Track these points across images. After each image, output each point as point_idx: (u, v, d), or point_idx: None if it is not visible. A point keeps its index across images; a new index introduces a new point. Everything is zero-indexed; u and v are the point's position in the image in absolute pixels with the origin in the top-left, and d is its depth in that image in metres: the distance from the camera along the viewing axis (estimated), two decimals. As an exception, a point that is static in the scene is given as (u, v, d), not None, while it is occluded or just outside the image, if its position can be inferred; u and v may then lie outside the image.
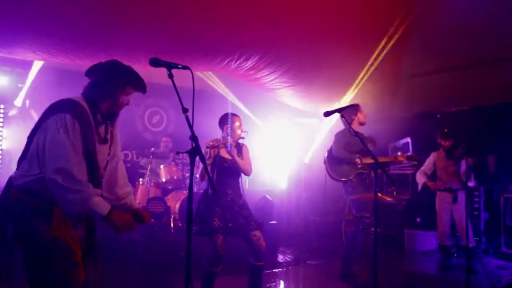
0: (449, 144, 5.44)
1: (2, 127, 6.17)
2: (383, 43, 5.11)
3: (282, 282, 4.90)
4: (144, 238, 5.27)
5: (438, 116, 7.40)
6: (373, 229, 3.66)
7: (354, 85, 5.90)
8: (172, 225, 5.63)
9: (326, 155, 4.77)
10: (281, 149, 8.16)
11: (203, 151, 2.39)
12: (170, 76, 2.15)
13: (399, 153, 4.63)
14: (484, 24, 4.63)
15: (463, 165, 5.30)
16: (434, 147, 5.83)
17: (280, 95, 6.65)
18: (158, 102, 7.93)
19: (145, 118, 7.84)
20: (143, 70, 5.74)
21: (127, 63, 2.39)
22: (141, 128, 7.78)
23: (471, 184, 5.51)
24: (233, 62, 5.18)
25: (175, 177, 6.34)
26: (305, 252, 6.34)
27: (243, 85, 6.61)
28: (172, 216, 5.71)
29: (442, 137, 5.51)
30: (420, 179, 5.65)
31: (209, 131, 3.69)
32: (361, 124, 4.64)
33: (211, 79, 7.16)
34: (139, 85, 2.35)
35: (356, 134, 3.26)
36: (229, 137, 3.65)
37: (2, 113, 6.21)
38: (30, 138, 2.16)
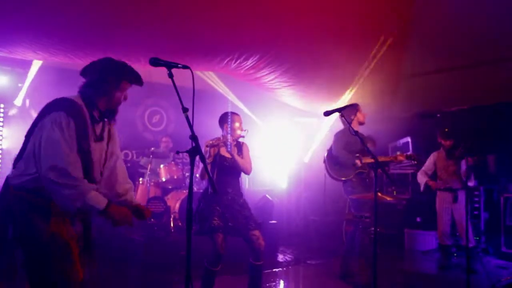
0: (450, 144, 5.44)
1: (2, 126, 6.17)
2: (382, 43, 5.11)
3: (282, 282, 4.90)
4: (144, 238, 5.27)
5: (438, 115, 7.39)
6: (373, 228, 3.66)
7: (354, 85, 5.90)
8: (172, 224, 5.63)
9: (325, 154, 4.77)
10: (281, 149, 8.16)
11: (203, 150, 2.39)
12: (170, 75, 2.15)
13: (398, 153, 4.63)
14: (484, 24, 4.63)
15: (464, 165, 5.29)
16: (434, 146, 5.83)
17: (280, 94, 6.65)
18: (158, 102, 7.93)
19: (145, 117, 7.84)
20: (143, 69, 5.75)
21: (127, 62, 2.39)
22: (141, 127, 7.78)
23: (471, 183, 5.51)
24: (233, 62, 5.18)
25: (175, 177, 6.35)
26: (305, 252, 6.34)
27: (243, 84, 6.61)
28: (172, 216, 5.71)
29: (442, 136, 5.51)
30: (422, 179, 5.65)
31: (209, 130, 3.70)
32: (361, 123, 4.64)
33: (211, 78, 7.17)
34: (134, 79, 2.37)
35: (356, 133, 3.26)
36: (229, 136, 3.65)
37: (2, 112, 6.21)
38: (27, 137, 2.18)
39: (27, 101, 6.20)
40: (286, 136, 8.16)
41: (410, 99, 6.71)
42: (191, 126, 2.08)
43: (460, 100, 6.91)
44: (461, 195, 5.37)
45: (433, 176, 5.68)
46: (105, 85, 2.27)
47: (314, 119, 8.17)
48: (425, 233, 6.59)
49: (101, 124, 2.33)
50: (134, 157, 7.48)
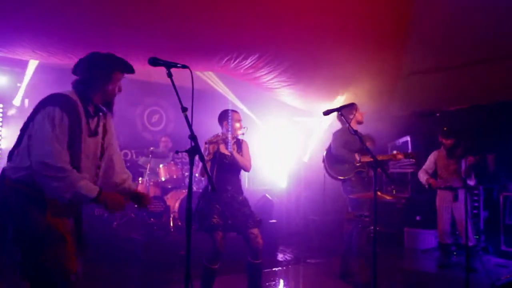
0: (450, 143, 5.43)
1: (1, 126, 6.17)
2: (382, 42, 5.11)
3: (281, 281, 4.90)
4: (144, 237, 5.27)
5: (438, 114, 7.39)
6: (372, 227, 3.66)
7: (353, 84, 5.90)
8: (171, 224, 5.64)
9: (324, 154, 4.78)
10: (281, 148, 8.16)
11: (202, 149, 2.39)
12: (169, 75, 2.16)
13: (394, 152, 4.63)
14: (483, 23, 4.63)
15: (464, 164, 5.29)
16: (434, 145, 5.83)
17: (279, 94, 6.65)
18: (157, 102, 7.93)
19: (144, 117, 7.83)
20: (143, 69, 5.76)
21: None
22: (141, 127, 7.78)
23: (472, 183, 5.51)
24: (232, 61, 5.18)
25: (175, 176, 6.35)
26: (305, 251, 6.34)
27: (242, 84, 6.61)
28: (171, 215, 5.71)
29: (443, 135, 5.51)
30: (422, 177, 5.66)
31: (208, 130, 3.70)
32: (359, 123, 4.64)
33: (211, 78, 7.17)
34: (125, 67, 2.37)
35: (356, 132, 3.27)
36: (228, 133, 3.65)
37: (1, 112, 6.21)
38: (23, 131, 2.20)
39: (26, 101, 6.19)
40: (285, 135, 8.16)
41: (409, 98, 6.71)
42: (190, 126, 2.08)
43: (459, 99, 6.91)
44: (462, 194, 5.36)
45: (434, 175, 5.68)
46: (96, 80, 2.29)
47: (313, 119, 8.17)
48: (425, 232, 6.60)
49: (96, 119, 2.35)
50: (134, 156, 7.48)
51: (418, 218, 6.80)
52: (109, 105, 2.40)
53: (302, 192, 8.21)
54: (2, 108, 6.22)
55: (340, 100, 6.22)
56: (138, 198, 2.54)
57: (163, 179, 6.35)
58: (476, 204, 6.41)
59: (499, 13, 4.50)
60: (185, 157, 7.15)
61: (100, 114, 2.37)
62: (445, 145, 5.50)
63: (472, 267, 4.95)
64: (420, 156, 5.58)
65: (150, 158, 6.48)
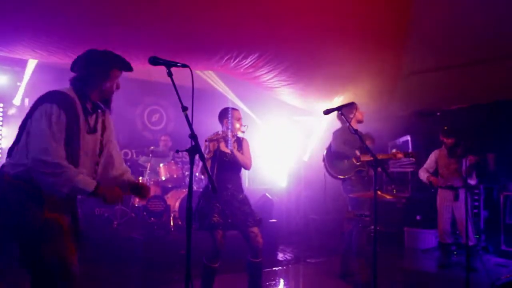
0: (452, 142, 5.43)
1: (1, 125, 6.18)
2: (382, 42, 5.11)
3: (282, 281, 4.90)
4: (144, 236, 5.28)
5: (438, 114, 7.40)
6: (372, 227, 3.66)
7: (353, 84, 5.89)
8: (172, 223, 5.64)
9: (325, 153, 4.78)
10: (281, 147, 8.16)
11: (202, 147, 2.40)
12: (169, 74, 2.16)
13: (393, 150, 4.63)
14: (483, 23, 4.63)
15: (466, 163, 5.29)
16: (434, 145, 5.83)
17: (279, 93, 6.65)
18: (157, 101, 7.93)
19: (144, 116, 7.83)
20: (143, 68, 5.75)
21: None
22: (141, 126, 7.78)
23: (473, 182, 5.51)
24: (232, 60, 5.18)
25: (175, 176, 6.35)
26: (305, 251, 6.34)
27: (242, 83, 6.61)
28: (172, 215, 5.72)
29: (444, 134, 5.50)
30: (423, 175, 5.65)
31: (208, 129, 3.69)
32: (359, 122, 4.65)
33: (211, 77, 7.17)
34: (122, 65, 2.38)
35: (356, 132, 3.27)
36: (229, 131, 3.65)
37: (2, 111, 6.21)
38: (22, 128, 2.22)
39: (26, 100, 6.19)
40: (285, 134, 8.16)
41: (409, 98, 6.71)
42: (190, 125, 2.08)
43: (459, 98, 6.91)
44: (462, 193, 5.36)
45: (435, 174, 5.68)
46: (94, 78, 2.30)
47: (313, 118, 8.18)
48: (425, 231, 6.60)
49: (94, 115, 2.36)
50: (134, 156, 7.49)
51: (418, 217, 6.80)
52: (107, 102, 2.41)
53: (302, 191, 8.21)
54: (2, 107, 6.22)
55: (339, 100, 6.22)
56: (138, 189, 2.54)
57: (163, 178, 6.36)
58: (476, 204, 6.41)
59: (499, 13, 4.49)
60: (186, 156, 7.15)
61: (99, 111, 2.38)
62: (446, 144, 5.50)
63: (472, 267, 4.95)
64: (420, 155, 5.58)
65: (150, 158, 6.48)
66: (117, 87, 2.40)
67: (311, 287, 4.90)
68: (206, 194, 3.59)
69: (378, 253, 3.00)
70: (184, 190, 6.19)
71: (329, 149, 4.74)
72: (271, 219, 6.31)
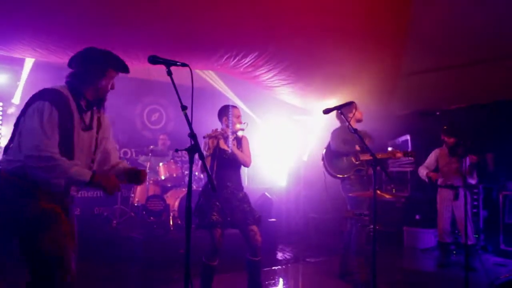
0: (453, 141, 5.43)
1: (1, 124, 6.17)
2: (382, 42, 5.11)
3: (281, 280, 4.90)
4: (143, 236, 5.28)
5: (438, 113, 7.40)
6: (372, 226, 3.66)
7: (353, 83, 5.90)
8: (171, 223, 5.64)
9: (324, 152, 4.78)
10: (280, 147, 8.16)
11: (202, 145, 2.40)
12: (169, 73, 2.16)
13: (390, 148, 4.63)
14: (483, 23, 4.63)
15: (467, 163, 5.29)
16: (433, 144, 5.83)
17: (279, 92, 6.65)
18: (157, 100, 7.93)
19: (144, 116, 7.83)
20: (142, 67, 5.75)
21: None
22: (140, 126, 7.78)
23: (474, 181, 5.51)
24: (232, 59, 5.18)
25: (174, 175, 6.35)
26: (305, 250, 6.35)
27: (242, 83, 6.61)
28: (171, 214, 5.72)
29: (445, 134, 5.50)
30: (422, 172, 5.65)
31: (208, 128, 3.69)
32: (358, 121, 4.65)
33: (210, 76, 7.17)
34: (119, 66, 2.39)
35: (355, 131, 3.27)
36: (228, 129, 3.65)
37: (1, 110, 6.21)
38: (16, 126, 2.24)
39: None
40: (285, 134, 8.16)
41: (409, 98, 6.72)
42: (190, 124, 2.08)
43: (459, 98, 6.91)
44: (462, 193, 5.36)
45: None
46: (90, 75, 2.31)
47: (312, 117, 8.18)
48: (424, 231, 6.60)
49: (89, 113, 2.37)
50: (133, 155, 7.49)
51: (417, 217, 6.81)
52: (101, 101, 2.42)
53: (302, 191, 8.22)
54: (1, 106, 6.22)
55: (345, 98, 6.21)
56: (135, 174, 2.54)
57: (162, 177, 6.35)
58: (475, 203, 6.41)
59: (499, 13, 4.50)
60: (185, 156, 7.15)
61: (94, 108, 2.40)
62: (447, 143, 5.50)
63: (471, 266, 4.96)
64: (419, 155, 5.58)
65: (150, 157, 6.48)
66: (112, 87, 2.41)
67: (310, 286, 4.90)
68: (206, 192, 3.59)
69: (377, 253, 3.00)
70: (184, 189, 6.19)
71: (328, 148, 4.74)
72: (271, 219, 6.31)
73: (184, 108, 2.10)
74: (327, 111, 3.20)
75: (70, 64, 2.36)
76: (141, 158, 6.89)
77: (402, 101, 6.83)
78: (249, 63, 5.30)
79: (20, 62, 5.89)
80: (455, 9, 4.57)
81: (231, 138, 3.66)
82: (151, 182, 6.39)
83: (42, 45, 4.47)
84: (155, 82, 7.40)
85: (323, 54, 5.25)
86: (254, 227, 3.54)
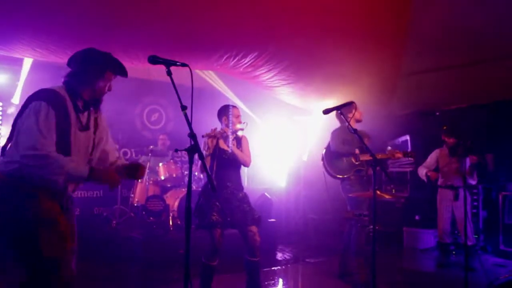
0: (453, 141, 5.43)
1: (1, 124, 6.17)
2: (382, 42, 5.11)
3: (281, 280, 4.90)
4: (143, 236, 5.28)
5: (437, 113, 7.40)
6: (371, 226, 3.66)
7: (353, 83, 5.90)
8: (171, 223, 5.64)
9: (323, 152, 4.78)
10: (280, 147, 8.16)
11: (201, 145, 2.40)
12: (169, 73, 2.17)
13: (389, 147, 4.63)
14: (483, 23, 4.63)
15: (467, 163, 5.29)
16: (433, 144, 5.83)
17: (279, 92, 6.65)
18: (157, 100, 7.93)
19: (144, 116, 7.83)
20: (142, 67, 5.74)
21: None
22: (140, 126, 7.78)
23: (474, 182, 5.51)
24: (231, 59, 5.18)
25: (174, 175, 6.34)
26: (304, 250, 6.34)
27: (241, 83, 6.61)
28: (171, 214, 5.71)
29: (446, 134, 5.50)
30: (422, 171, 5.65)
31: (208, 129, 3.69)
32: (358, 121, 4.66)
33: (210, 76, 7.17)
34: (117, 69, 2.41)
35: (355, 131, 3.27)
36: (228, 129, 3.65)
37: (1, 110, 6.20)
38: (14, 126, 2.24)
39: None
40: (285, 134, 8.16)
41: (409, 98, 6.71)
42: (190, 124, 2.08)
43: (459, 98, 6.92)
44: (462, 193, 5.36)
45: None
46: (87, 75, 2.32)
47: (312, 117, 8.17)
48: (424, 231, 6.60)
49: (86, 113, 2.38)
50: (133, 155, 7.49)
51: (417, 217, 6.81)
52: (97, 102, 2.43)
53: (302, 191, 8.21)
54: (1, 106, 6.21)
55: (344, 98, 6.21)
56: (134, 170, 2.52)
57: (162, 177, 6.35)
58: (475, 204, 6.41)
59: (499, 13, 4.50)
60: (185, 156, 7.14)
61: (91, 108, 2.40)
62: (448, 144, 5.49)
63: (470, 267, 4.95)
64: (419, 155, 5.58)
65: (149, 157, 6.48)
66: (109, 89, 2.42)
67: (310, 286, 4.90)
68: (205, 192, 3.58)
69: (377, 253, 3.00)
70: (183, 189, 6.19)
71: (328, 148, 4.74)
72: (270, 219, 6.31)
73: (184, 108, 2.10)
74: (327, 111, 3.21)
75: (69, 64, 2.37)
76: (141, 158, 6.88)
77: (402, 101, 6.82)
78: (249, 63, 5.30)
79: (20, 62, 5.89)
80: (455, 9, 4.57)
81: (231, 138, 3.66)
82: (151, 182, 6.38)
83: (42, 45, 4.47)
84: (155, 82, 7.40)
85: (323, 54, 5.25)
86: (253, 228, 3.54)
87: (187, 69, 2.17)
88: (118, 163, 2.59)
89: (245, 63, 5.31)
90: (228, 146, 3.63)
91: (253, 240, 3.51)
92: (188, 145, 2.09)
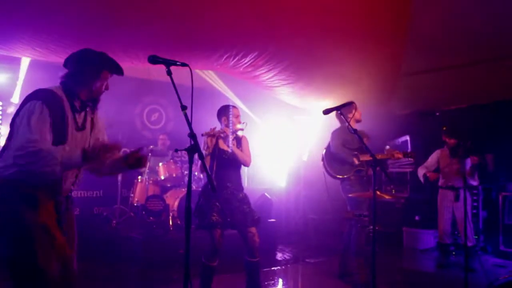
0: (454, 142, 5.42)
1: (0, 124, 6.16)
2: (382, 42, 5.11)
3: (280, 280, 4.90)
4: (143, 236, 5.27)
5: (437, 114, 7.40)
6: (371, 227, 3.66)
7: (353, 83, 5.90)
8: (170, 223, 5.63)
9: (324, 152, 4.78)
10: (280, 147, 8.15)
11: (201, 145, 2.39)
12: (169, 73, 2.17)
13: (387, 147, 4.63)
14: (483, 23, 4.64)
15: (468, 164, 5.29)
16: (433, 145, 5.83)
17: (279, 92, 6.65)
18: (157, 100, 7.93)
19: (144, 115, 7.83)
20: (142, 67, 5.74)
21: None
22: (140, 125, 7.77)
23: (475, 182, 5.51)
24: (231, 59, 5.17)
25: (174, 175, 6.34)
26: (304, 250, 6.34)
27: (241, 83, 6.60)
28: (170, 214, 5.71)
29: (446, 134, 5.49)
30: (421, 171, 5.65)
31: (208, 129, 3.69)
32: (357, 121, 4.66)
33: (210, 76, 7.17)
34: (113, 68, 2.41)
35: (355, 131, 3.27)
36: (228, 129, 3.64)
37: (1, 110, 6.20)
38: (12, 126, 2.24)
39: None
40: (285, 134, 8.15)
41: (409, 98, 6.72)
42: (190, 124, 2.08)
43: (459, 98, 6.92)
44: (463, 194, 5.35)
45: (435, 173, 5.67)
46: (84, 76, 2.33)
47: (312, 117, 8.17)
48: (424, 232, 6.60)
49: (83, 114, 2.38)
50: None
51: (417, 218, 6.81)
52: (95, 102, 2.43)
53: (302, 191, 8.21)
54: (1, 105, 6.21)
55: (344, 98, 6.21)
56: (133, 158, 2.44)
57: (162, 177, 6.35)
58: (475, 204, 6.41)
59: (499, 13, 4.50)
60: (185, 156, 7.14)
61: (88, 109, 2.41)
62: (449, 144, 5.49)
63: (470, 267, 4.95)
64: (419, 155, 5.58)
65: (149, 157, 6.47)
66: (106, 88, 2.43)
67: (310, 287, 4.90)
68: (205, 193, 3.58)
69: (376, 253, 2.99)
70: (183, 189, 6.18)
71: (328, 149, 4.74)
72: (270, 219, 6.30)
73: (183, 108, 2.10)
74: (326, 112, 3.21)
75: (65, 65, 2.37)
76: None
77: (402, 101, 6.83)
78: (249, 63, 5.30)
79: (19, 61, 5.88)
80: (455, 9, 4.58)
81: (231, 138, 3.66)
82: (151, 182, 6.38)
83: (42, 45, 4.47)
84: (155, 82, 7.40)
85: (323, 54, 5.24)
86: (253, 229, 3.54)
87: (187, 69, 2.17)
88: (115, 157, 2.51)
89: (245, 63, 5.31)
90: (228, 146, 3.63)
91: (252, 241, 3.51)
92: (188, 145, 2.09)
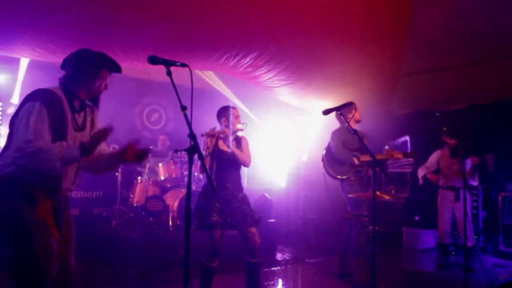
0: (454, 142, 5.42)
1: (0, 124, 6.16)
2: (382, 42, 5.11)
3: (280, 281, 4.90)
4: (143, 236, 5.27)
5: (437, 114, 7.40)
6: (371, 227, 3.66)
7: (353, 83, 5.90)
8: (170, 223, 5.63)
9: (324, 153, 4.78)
10: (280, 147, 8.15)
11: (201, 145, 2.39)
12: (169, 73, 2.17)
13: (386, 147, 4.63)
14: (483, 23, 4.64)
15: (468, 164, 5.29)
16: (433, 145, 5.82)
17: (279, 93, 6.65)
18: (156, 100, 7.93)
19: (143, 116, 7.83)
20: (142, 67, 5.73)
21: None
22: (140, 126, 7.77)
23: (475, 183, 5.51)
24: (231, 60, 5.17)
25: (174, 175, 6.34)
26: (304, 251, 6.34)
27: (241, 83, 6.60)
28: (170, 215, 5.71)
29: (447, 135, 5.49)
30: (421, 172, 5.65)
31: (207, 129, 3.69)
32: (357, 121, 4.66)
33: (210, 77, 7.17)
34: (112, 67, 2.42)
35: (355, 132, 3.27)
36: (228, 130, 3.64)
37: (0, 110, 6.19)
38: (11, 126, 2.25)
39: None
40: (284, 134, 8.15)
41: (409, 98, 6.72)
42: (189, 125, 2.08)
43: (459, 98, 6.92)
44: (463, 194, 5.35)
45: (436, 174, 5.67)
46: (83, 76, 2.33)
47: (312, 117, 8.17)
48: (423, 232, 6.60)
49: (82, 114, 2.38)
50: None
51: (417, 218, 6.81)
52: (95, 100, 2.44)
53: (302, 191, 8.21)
54: (1, 106, 6.20)
55: (344, 98, 6.20)
56: (132, 155, 2.40)
57: (162, 178, 6.35)
58: (475, 204, 6.41)
59: (499, 13, 4.50)
60: (184, 156, 7.14)
61: (87, 109, 2.41)
62: (449, 145, 5.48)
63: (470, 267, 4.96)
64: (419, 155, 5.58)
65: (149, 157, 6.47)
66: (105, 87, 2.43)
67: (310, 287, 4.90)
68: (205, 193, 3.58)
69: (376, 253, 2.99)
70: (183, 190, 6.18)
71: (328, 149, 4.74)
72: (270, 219, 6.30)
73: (183, 108, 2.10)
74: (326, 112, 3.21)
75: (63, 66, 2.38)
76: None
77: (401, 101, 6.83)
78: (249, 63, 5.29)
79: (18, 62, 5.88)
80: (455, 9, 4.58)
81: (231, 138, 3.66)
82: (151, 182, 6.38)
83: (42, 45, 4.46)
84: (154, 83, 7.39)
85: (323, 54, 5.24)
86: (253, 229, 3.54)
87: (187, 69, 2.17)
88: (114, 152, 2.53)
89: (245, 63, 5.31)
90: (228, 147, 3.63)
91: (253, 241, 3.51)
92: (188, 145, 2.09)
